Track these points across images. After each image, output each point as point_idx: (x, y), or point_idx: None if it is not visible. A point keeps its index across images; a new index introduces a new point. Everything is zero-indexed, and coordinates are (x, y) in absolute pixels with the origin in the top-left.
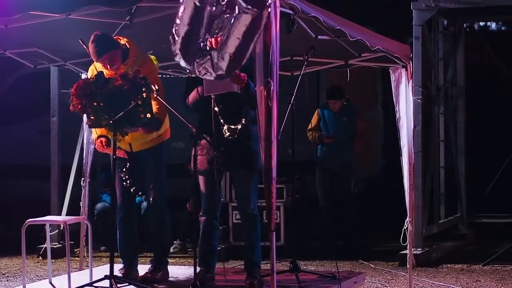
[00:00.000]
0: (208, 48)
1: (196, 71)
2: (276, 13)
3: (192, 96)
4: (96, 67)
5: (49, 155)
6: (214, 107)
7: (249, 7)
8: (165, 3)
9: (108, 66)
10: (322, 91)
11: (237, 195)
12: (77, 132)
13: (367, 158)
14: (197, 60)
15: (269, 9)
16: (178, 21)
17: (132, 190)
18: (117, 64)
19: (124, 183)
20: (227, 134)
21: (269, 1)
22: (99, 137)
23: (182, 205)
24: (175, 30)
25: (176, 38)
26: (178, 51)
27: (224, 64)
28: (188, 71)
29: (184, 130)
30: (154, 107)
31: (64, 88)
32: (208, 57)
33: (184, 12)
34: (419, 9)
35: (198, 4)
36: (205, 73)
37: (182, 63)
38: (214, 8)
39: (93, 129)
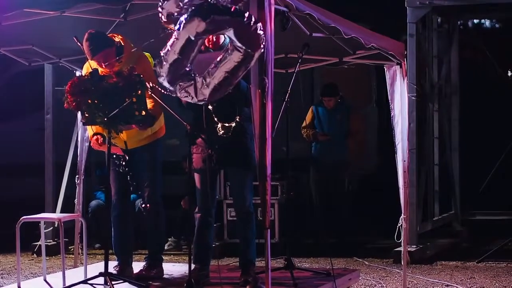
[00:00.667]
0: (193, 74)
1: (178, 93)
2: (271, 11)
3: None
4: (91, 64)
5: (44, 152)
6: (208, 105)
7: (243, 47)
8: (159, 0)
9: (103, 64)
10: (317, 88)
11: (233, 192)
12: (72, 130)
13: (361, 155)
14: (181, 83)
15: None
16: (169, 47)
17: (133, 184)
18: (112, 62)
19: (128, 177)
20: (221, 132)
21: (263, 43)
22: (94, 134)
23: (177, 202)
24: (164, 54)
25: (164, 63)
26: (163, 74)
27: (207, 92)
28: (168, 91)
29: (179, 128)
30: (149, 104)
31: (58, 86)
32: (192, 82)
33: (177, 42)
34: (413, 6)
35: (192, 38)
36: (186, 96)
37: (165, 84)
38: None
39: (88, 127)
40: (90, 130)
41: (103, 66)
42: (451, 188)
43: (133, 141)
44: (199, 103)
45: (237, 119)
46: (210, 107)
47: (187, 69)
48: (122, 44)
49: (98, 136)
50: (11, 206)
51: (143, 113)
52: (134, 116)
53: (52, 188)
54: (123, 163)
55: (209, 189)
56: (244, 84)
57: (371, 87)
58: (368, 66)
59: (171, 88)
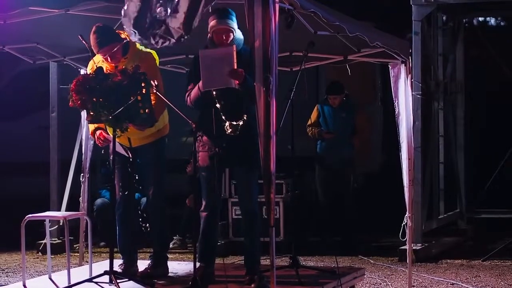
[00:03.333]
0: (161, 17)
1: (153, 43)
2: (275, 9)
3: (194, 93)
4: (96, 62)
5: (49, 151)
6: (216, 103)
7: None
8: None
9: (109, 58)
10: (322, 86)
11: (239, 191)
12: (77, 128)
13: (366, 153)
14: (152, 32)
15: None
16: (127, 2)
17: (138, 188)
18: (118, 56)
19: (134, 180)
20: (229, 131)
21: None
22: (96, 129)
23: (182, 200)
24: (124, 12)
25: (127, 18)
26: (132, 30)
27: (180, 25)
28: (146, 44)
29: (184, 126)
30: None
31: (63, 84)
32: (163, 25)
33: None
34: (418, 4)
35: None
36: (164, 42)
37: (136, 38)
38: None
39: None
40: (91, 127)
41: (109, 60)
42: (456, 186)
43: (137, 139)
44: (178, 41)
45: (245, 118)
46: (218, 105)
47: (154, 14)
48: (128, 40)
49: (101, 131)
50: (16, 204)
51: (148, 111)
52: (139, 114)
53: (57, 186)
54: (128, 164)
55: (215, 187)
56: (251, 81)
57: (376, 85)
58: (374, 64)
59: (145, 41)
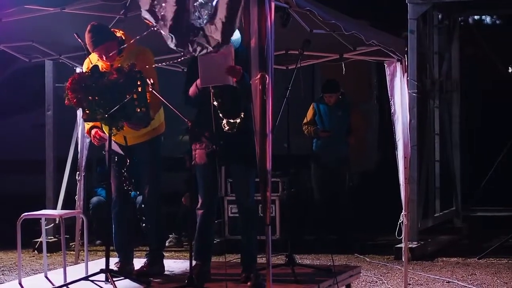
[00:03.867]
0: (198, 24)
1: (191, 50)
2: (271, 7)
3: (192, 90)
4: (91, 60)
5: (44, 149)
6: (213, 101)
7: None
8: None
9: (104, 56)
10: (317, 85)
11: (236, 189)
12: (72, 126)
13: (362, 151)
14: (190, 39)
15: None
16: (163, 4)
17: (131, 187)
18: (113, 55)
19: (125, 185)
20: (226, 128)
21: None
22: (91, 128)
23: (178, 199)
24: (161, 16)
25: (164, 23)
26: (169, 35)
27: (218, 34)
28: (182, 53)
29: (180, 124)
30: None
31: (59, 82)
32: (201, 32)
33: None
34: (414, 2)
35: None
36: (201, 49)
37: (173, 44)
38: None
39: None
40: (87, 125)
41: (104, 59)
42: (452, 184)
43: (132, 137)
44: (215, 49)
45: (242, 116)
46: (215, 103)
47: (191, 20)
48: (123, 38)
49: (97, 129)
50: (12, 202)
51: (144, 109)
52: (135, 113)
53: (53, 184)
54: (125, 169)
55: (212, 185)
56: (249, 78)
57: (372, 83)
58: (369, 63)
59: (183, 50)
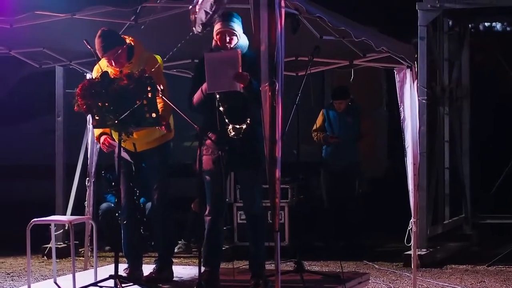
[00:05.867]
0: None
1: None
2: (281, 13)
3: (197, 96)
4: (101, 66)
5: (54, 155)
6: (219, 106)
7: None
8: (170, 3)
9: (113, 62)
10: (327, 91)
11: (242, 195)
12: (82, 132)
13: (371, 158)
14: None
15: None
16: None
17: (136, 194)
18: (122, 61)
19: (133, 194)
20: (232, 134)
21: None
22: (101, 135)
23: (187, 205)
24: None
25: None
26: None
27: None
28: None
29: (189, 130)
30: (158, 106)
31: (69, 88)
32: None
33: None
34: (424, 9)
35: None
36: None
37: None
38: None
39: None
40: (96, 132)
41: (113, 64)
42: (462, 191)
43: (142, 143)
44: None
45: (248, 121)
46: (221, 108)
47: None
48: (133, 45)
49: (106, 136)
50: (22, 208)
51: (154, 115)
52: (145, 119)
53: (63, 190)
54: (133, 169)
55: (220, 192)
56: (256, 84)
57: (381, 90)
58: (379, 69)
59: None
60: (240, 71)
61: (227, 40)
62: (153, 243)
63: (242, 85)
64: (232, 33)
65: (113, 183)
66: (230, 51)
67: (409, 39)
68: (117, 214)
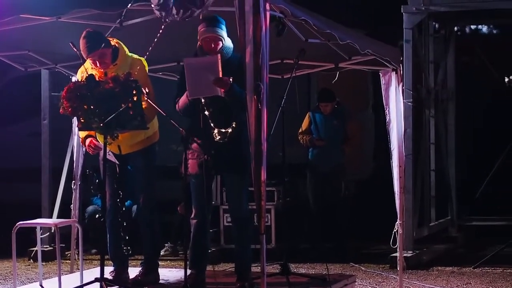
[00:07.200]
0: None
1: (174, 13)
2: (266, 16)
3: (182, 100)
4: (86, 69)
5: (40, 157)
6: (204, 110)
7: None
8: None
9: (98, 63)
10: (313, 94)
11: (229, 198)
12: (68, 135)
13: (357, 161)
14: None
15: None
16: None
17: (120, 196)
18: (107, 62)
19: (116, 196)
20: (217, 138)
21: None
22: (86, 137)
23: (174, 208)
24: None
25: None
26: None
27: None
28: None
29: (175, 133)
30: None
31: (55, 91)
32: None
33: None
34: (409, 12)
35: None
36: (185, 12)
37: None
38: None
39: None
40: (82, 134)
41: (98, 65)
42: (447, 193)
43: (127, 146)
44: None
45: (234, 125)
46: (206, 112)
47: None
48: (117, 47)
49: (92, 138)
50: (7, 211)
51: (139, 118)
52: (130, 122)
53: (49, 193)
54: (116, 183)
55: (205, 195)
56: (238, 89)
57: (367, 92)
58: (365, 72)
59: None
60: (221, 75)
61: (213, 46)
62: (130, 250)
63: (222, 90)
64: (218, 38)
65: (98, 186)
66: (209, 56)
67: (395, 41)
68: (98, 216)
